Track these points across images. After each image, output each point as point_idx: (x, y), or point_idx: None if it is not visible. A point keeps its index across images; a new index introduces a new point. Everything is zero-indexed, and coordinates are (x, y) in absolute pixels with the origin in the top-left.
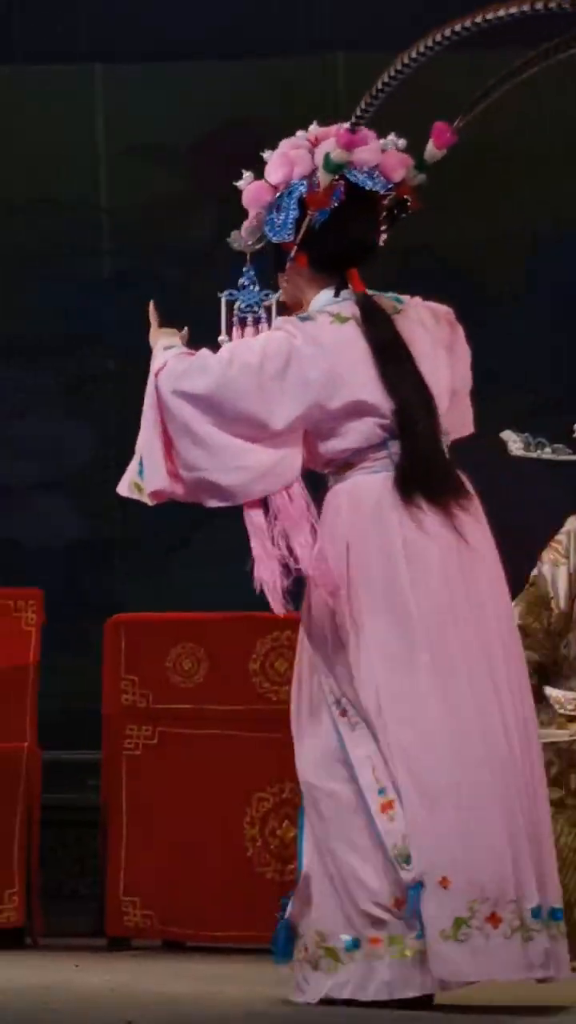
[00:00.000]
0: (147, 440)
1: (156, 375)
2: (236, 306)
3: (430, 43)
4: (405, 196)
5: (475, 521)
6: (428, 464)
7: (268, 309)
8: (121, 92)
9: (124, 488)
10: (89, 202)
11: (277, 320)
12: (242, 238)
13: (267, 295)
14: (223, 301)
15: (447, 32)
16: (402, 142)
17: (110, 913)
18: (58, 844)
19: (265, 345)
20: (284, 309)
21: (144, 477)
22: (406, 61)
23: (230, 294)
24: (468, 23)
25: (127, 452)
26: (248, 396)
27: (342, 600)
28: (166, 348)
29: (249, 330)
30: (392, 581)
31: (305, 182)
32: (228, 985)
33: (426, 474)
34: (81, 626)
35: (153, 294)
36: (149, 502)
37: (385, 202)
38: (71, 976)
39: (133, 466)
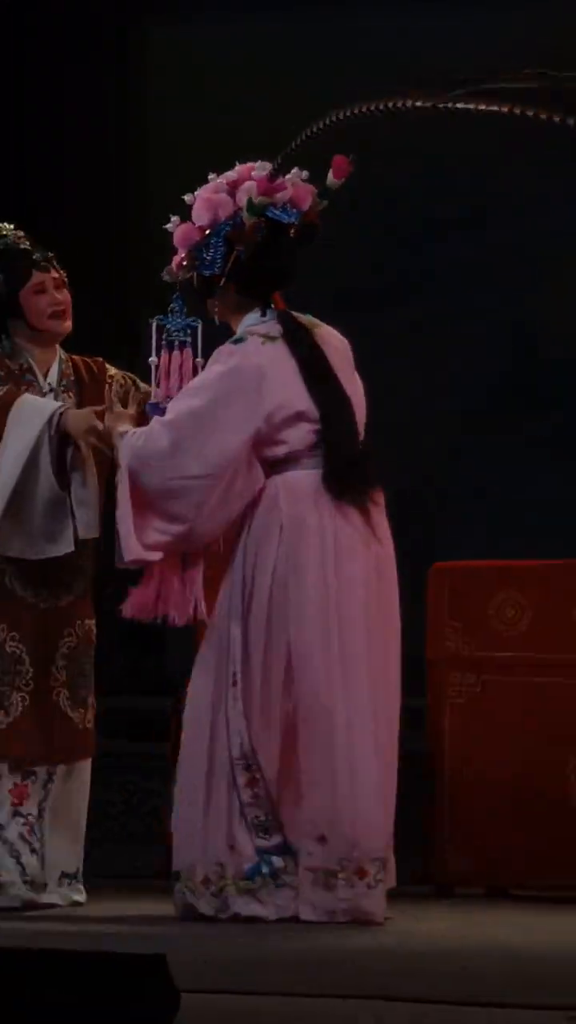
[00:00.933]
0: (121, 515)
1: (125, 458)
2: (166, 329)
3: (365, 109)
4: (313, 221)
5: (380, 511)
6: (348, 463)
7: (194, 333)
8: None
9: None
10: None
11: (216, 352)
12: (173, 272)
13: (194, 321)
14: (153, 325)
15: (380, 106)
16: (305, 173)
17: (435, 860)
18: None
19: (200, 400)
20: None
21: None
22: (339, 118)
23: (160, 319)
24: (405, 104)
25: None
26: (207, 442)
27: (265, 581)
28: (122, 434)
29: (176, 353)
30: (320, 567)
31: (230, 223)
32: (559, 934)
33: (347, 473)
34: (404, 573)
35: None
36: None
37: (293, 230)
38: (401, 922)
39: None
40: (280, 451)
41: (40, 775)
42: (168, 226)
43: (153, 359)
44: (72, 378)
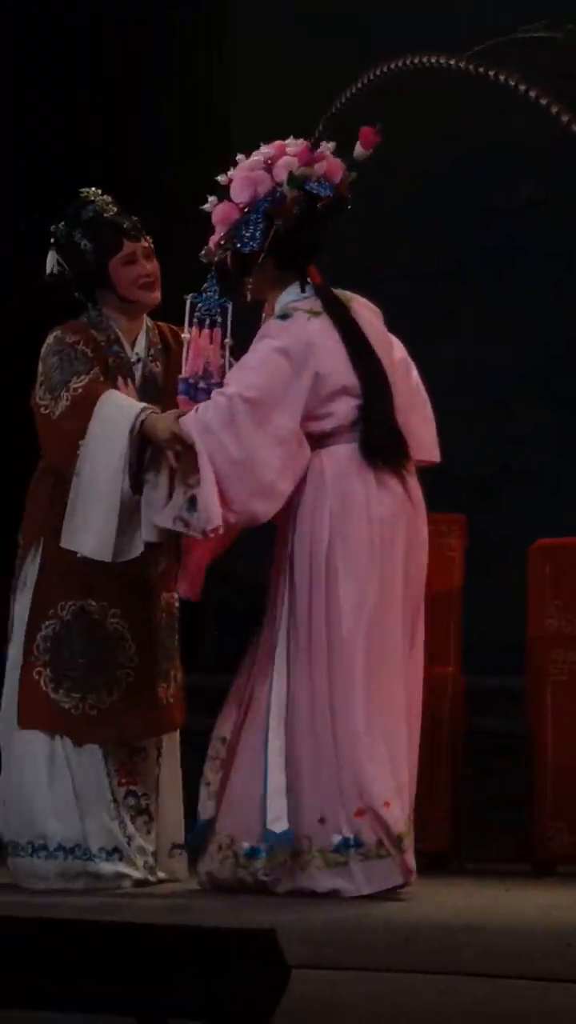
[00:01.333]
0: (203, 485)
1: (196, 432)
2: (198, 307)
3: (396, 65)
4: (344, 194)
5: (415, 480)
6: (388, 433)
7: (225, 313)
8: None
9: (167, 521)
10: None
11: (264, 328)
12: (210, 252)
13: (226, 301)
14: (188, 302)
15: (416, 60)
16: (332, 145)
17: (536, 838)
18: (481, 769)
19: (261, 371)
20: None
21: (194, 515)
22: (368, 78)
23: (194, 296)
24: (442, 61)
25: (548, 378)
26: (264, 422)
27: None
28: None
29: (206, 331)
30: (368, 542)
31: (268, 198)
32: None
33: (386, 442)
34: (502, 551)
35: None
36: (199, 536)
37: (323, 203)
38: (502, 900)
39: (178, 502)
40: (327, 425)
41: (150, 751)
42: (206, 207)
43: (185, 335)
44: (159, 346)
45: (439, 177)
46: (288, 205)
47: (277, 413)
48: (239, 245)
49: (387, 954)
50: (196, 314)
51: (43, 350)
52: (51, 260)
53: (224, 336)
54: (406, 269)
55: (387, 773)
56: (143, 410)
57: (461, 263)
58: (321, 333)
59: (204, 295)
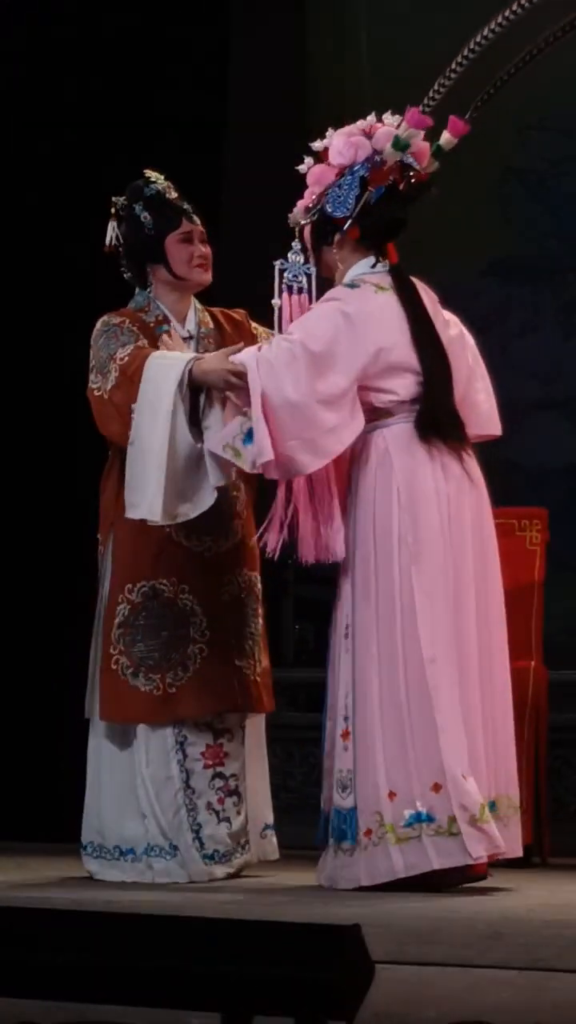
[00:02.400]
0: (256, 418)
1: (253, 364)
2: (285, 274)
3: (492, 27)
4: (425, 180)
5: (474, 461)
6: (447, 415)
7: (309, 279)
8: None
9: (217, 446)
10: None
11: (330, 291)
12: (298, 215)
13: (309, 267)
14: (277, 269)
15: (506, 13)
16: (421, 133)
17: None
18: (563, 764)
19: (325, 327)
20: (324, 282)
21: (249, 446)
22: (472, 47)
23: (282, 263)
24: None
25: None
26: (323, 374)
27: (385, 535)
28: (231, 357)
29: (294, 298)
30: (438, 521)
31: (367, 163)
32: None
33: (445, 423)
34: None
35: None
36: (247, 469)
37: (413, 177)
38: None
39: (234, 430)
40: (386, 400)
41: (236, 732)
42: (302, 167)
43: (276, 301)
44: (211, 326)
45: None
46: (385, 171)
47: (334, 372)
48: (330, 208)
49: (471, 949)
50: (284, 281)
51: (92, 338)
52: (111, 231)
53: (310, 302)
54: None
55: (462, 748)
56: (191, 359)
57: None
58: (386, 308)
59: (290, 261)
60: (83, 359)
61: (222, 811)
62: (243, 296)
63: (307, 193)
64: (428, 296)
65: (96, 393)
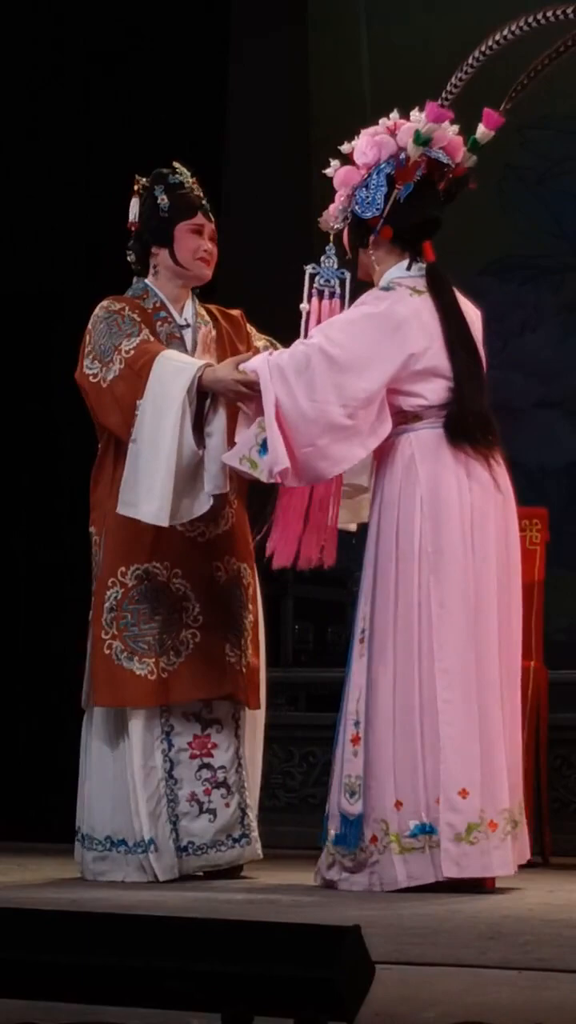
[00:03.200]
0: (269, 427)
1: (266, 372)
2: (317, 279)
3: (515, 28)
4: (461, 176)
5: (503, 470)
6: (477, 419)
7: (343, 283)
8: None
9: (234, 459)
10: None
11: (363, 296)
12: (329, 220)
13: (343, 273)
14: (307, 273)
15: (531, 19)
16: (456, 127)
17: None
18: (563, 763)
19: (350, 331)
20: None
21: (265, 457)
22: (490, 43)
23: (313, 267)
24: (551, 14)
25: None
26: (342, 379)
27: (407, 541)
28: (242, 363)
29: (325, 303)
30: (454, 532)
31: (392, 161)
32: None
33: (474, 428)
34: None
35: None
36: (264, 479)
37: (442, 183)
38: None
39: (250, 442)
40: (414, 404)
41: (226, 724)
42: (328, 171)
43: (304, 306)
44: (207, 317)
45: None
46: (410, 168)
47: (354, 377)
48: (359, 209)
49: (471, 949)
50: (315, 286)
51: (90, 322)
52: (134, 207)
53: (343, 307)
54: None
55: (469, 763)
56: (202, 366)
57: None
58: (421, 312)
59: (323, 266)
60: (71, 345)
61: (207, 802)
62: (242, 299)
63: (336, 196)
64: (471, 314)
65: (93, 380)
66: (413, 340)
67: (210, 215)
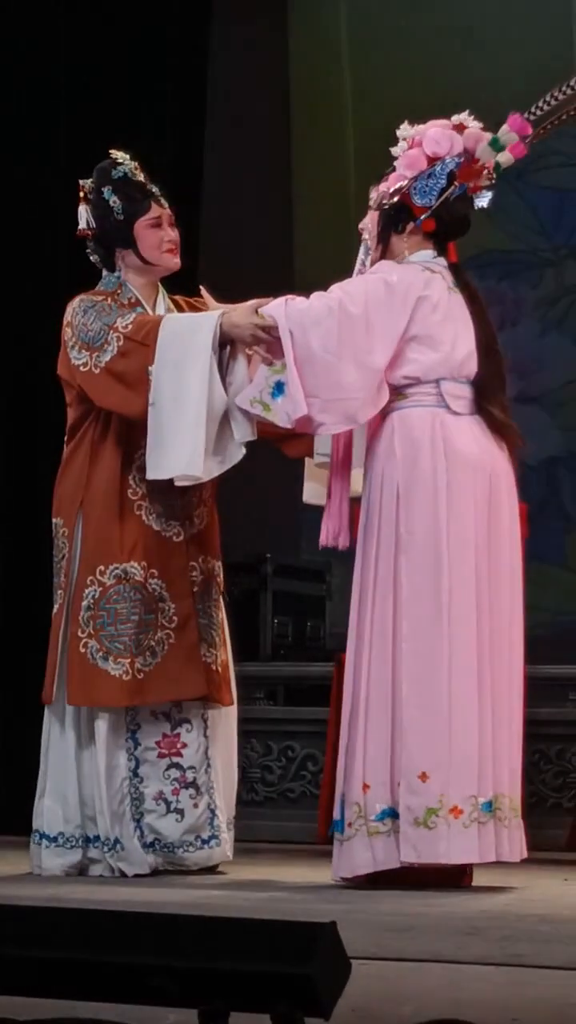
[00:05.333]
0: (289, 371)
1: (284, 316)
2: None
3: None
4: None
5: (508, 455)
6: (493, 400)
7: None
8: None
9: (244, 401)
10: None
11: (377, 265)
12: (385, 195)
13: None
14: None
15: None
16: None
17: None
18: (541, 758)
19: (366, 293)
20: None
21: (279, 400)
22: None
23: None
24: None
25: None
26: (357, 338)
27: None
28: (261, 307)
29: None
30: (427, 517)
31: (459, 159)
32: None
33: (491, 409)
34: (562, 540)
35: None
36: (280, 423)
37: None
38: (562, 889)
39: (261, 384)
40: (407, 372)
41: (195, 724)
42: (395, 149)
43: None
44: (174, 310)
45: None
46: (476, 170)
47: (368, 338)
48: (417, 196)
49: (447, 944)
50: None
51: (68, 316)
52: (84, 214)
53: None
54: None
55: (437, 745)
56: (220, 314)
57: None
58: (430, 285)
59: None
60: (47, 342)
61: (175, 802)
62: (224, 285)
63: (394, 176)
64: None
65: (83, 369)
66: (421, 313)
67: (162, 200)
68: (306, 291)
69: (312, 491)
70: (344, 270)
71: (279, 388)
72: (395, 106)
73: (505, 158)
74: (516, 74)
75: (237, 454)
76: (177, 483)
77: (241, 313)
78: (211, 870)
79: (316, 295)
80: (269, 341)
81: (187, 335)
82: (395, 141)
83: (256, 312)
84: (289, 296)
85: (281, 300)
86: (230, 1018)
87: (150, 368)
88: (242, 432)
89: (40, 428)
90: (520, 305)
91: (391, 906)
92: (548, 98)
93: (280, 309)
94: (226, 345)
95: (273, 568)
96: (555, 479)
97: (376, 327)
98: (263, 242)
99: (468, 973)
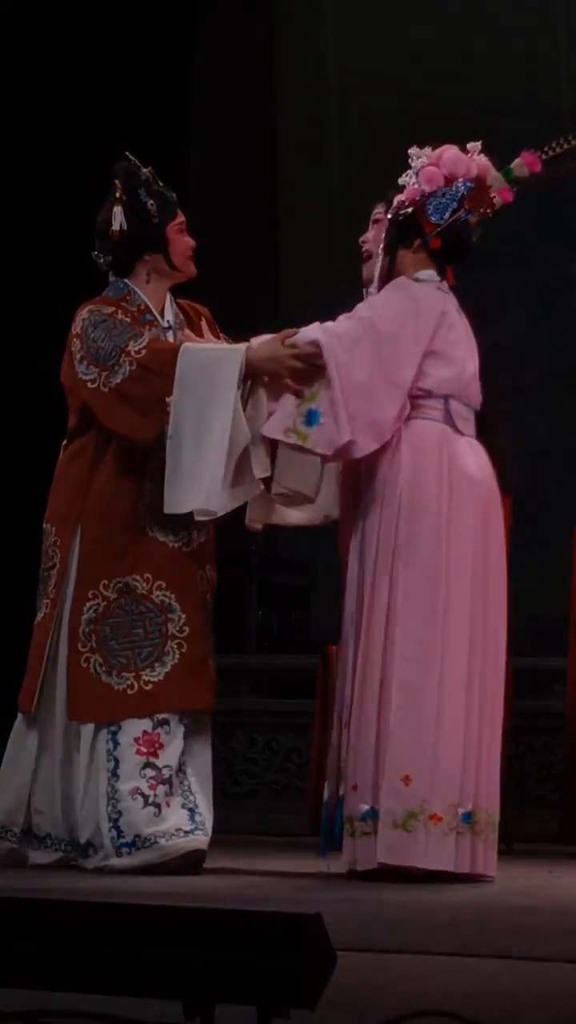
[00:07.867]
0: (328, 398)
1: (324, 340)
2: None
3: None
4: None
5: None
6: (496, 428)
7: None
8: None
9: (277, 431)
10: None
11: (393, 282)
12: (398, 204)
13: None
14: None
15: None
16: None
17: (573, 819)
18: (526, 751)
19: (394, 310)
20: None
21: (314, 427)
22: None
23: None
24: None
25: None
26: (389, 356)
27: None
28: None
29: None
30: (430, 529)
31: (471, 183)
32: None
33: (494, 436)
34: (544, 532)
35: None
36: (319, 451)
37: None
38: (547, 881)
39: (292, 412)
40: (420, 386)
41: (173, 725)
42: (415, 162)
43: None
44: (181, 316)
45: None
46: (486, 198)
47: (398, 356)
48: (432, 213)
49: (432, 936)
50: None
51: (78, 326)
52: (118, 216)
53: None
54: None
55: (420, 750)
56: (244, 349)
57: None
58: (446, 302)
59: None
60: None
61: (152, 796)
62: (207, 289)
63: (412, 188)
64: None
65: (91, 386)
66: (440, 331)
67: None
68: (290, 311)
69: (257, 512)
70: (328, 278)
71: (312, 416)
72: (380, 132)
73: (520, 169)
74: (510, 60)
75: (253, 488)
76: (196, 517)
77: (270, 346)
78: (195, 864)
79: (343, 317)
80: (305, 371)
81: (210, 368)
82: (379, 168)
83: (284, 343)
84: (319, 324)
85: (316, 326)
86: (215, 1010)
87: (167, 399)
88: (261, 467)
89: (38, 429)
90: (506, 297)
91: (376, 898)
92: (568, 136)
93: (320, 336)
94: (248, 379)
95: (258, 560)
96: (539, 471)
97: (406, 343)
98: (245, 245)
99: (453, 965)
